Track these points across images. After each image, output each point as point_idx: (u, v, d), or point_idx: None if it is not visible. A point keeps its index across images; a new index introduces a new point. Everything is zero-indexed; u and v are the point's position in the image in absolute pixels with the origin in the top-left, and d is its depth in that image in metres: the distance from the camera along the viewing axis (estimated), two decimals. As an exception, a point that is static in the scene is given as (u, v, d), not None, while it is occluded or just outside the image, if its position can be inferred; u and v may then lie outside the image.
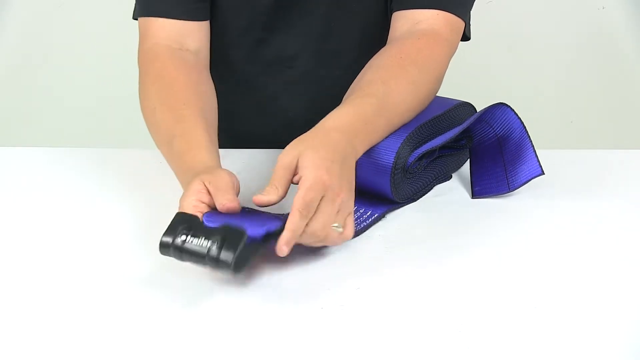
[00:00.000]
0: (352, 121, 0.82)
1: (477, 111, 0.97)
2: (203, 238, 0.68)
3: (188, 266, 0.74)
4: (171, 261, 0.78)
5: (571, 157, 1.05)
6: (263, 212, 0.77)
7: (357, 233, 0.81)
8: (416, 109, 0.91)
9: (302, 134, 0.81)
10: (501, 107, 0.91)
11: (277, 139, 1.11)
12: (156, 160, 1.03)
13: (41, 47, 2.15)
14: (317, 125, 0.82)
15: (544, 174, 0.90)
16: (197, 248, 0.68)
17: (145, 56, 1.00)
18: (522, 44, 2.15)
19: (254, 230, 0.69)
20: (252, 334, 0.66)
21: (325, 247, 0.79)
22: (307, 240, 0.74)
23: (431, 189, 0.93)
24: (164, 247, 0.69)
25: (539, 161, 0.91)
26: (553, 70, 2.19)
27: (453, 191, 0.94)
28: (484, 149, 0.95)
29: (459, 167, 0.99)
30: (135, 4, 1.06)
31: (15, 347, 0.65)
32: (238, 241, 0.67)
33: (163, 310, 0.69)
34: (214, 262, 0.67)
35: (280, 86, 1.11)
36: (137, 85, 1.01)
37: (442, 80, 0.97)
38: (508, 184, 0.91)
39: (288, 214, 0.73)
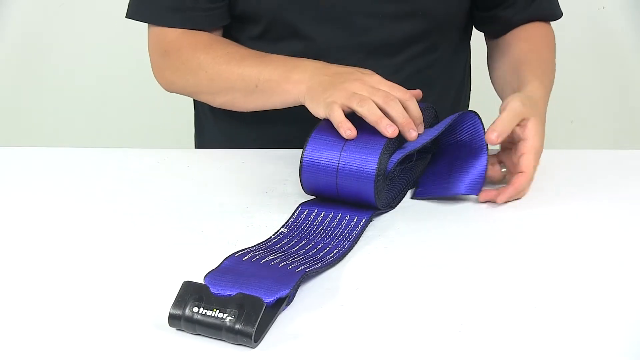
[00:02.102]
0: (541, 94, 0.98)
1: (437, 112, 0.97)
2: (217, 309, 0.65)
3: (187, 267, 0.74)
4: (170, 262, 0.78)
5: (571, 157, 1.05)
6: (269, 265, 0.74)
7: (352, 242, 0.80)
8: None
9: None
10: (471, 115, 0.90)
11: None
12: (156, 160, 1.03)
13: (41, 47, 2.14)
14: (524, 92, 0.95)
15: (477, 195, 0.90)
16: (212, 320, 0.65)
17: (179, 39, 1.04)
18: (522, 44, 2.15)
19: (267, 296, 0.67)
20: (252, 334, 0.66)
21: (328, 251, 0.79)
22: (511, 194, 0.89)
23: (404, 195, 0.93)
24: (174, 319, 0.66)
25: (482, 183, 0.90)
26: (552, 70, 2.19)
27: (453, 191, 0.94)
28: (442, 153, 0.95)
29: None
30: (141, 5, 1.07)
31: (15, 347, 0.65)
32: (257, 310, 0.64)
33: (162, 309, 0.68)
34: (232, 333, 0.64)
35: None
36: (142, 81, 1.02)
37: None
38: (449, 187, 0.90)
39: (293, 263, 0.73)
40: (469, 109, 1.26)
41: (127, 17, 1.09)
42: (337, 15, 1.05)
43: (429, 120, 0.95)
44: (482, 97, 1.25)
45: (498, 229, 0.85)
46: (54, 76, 2.18)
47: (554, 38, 1.15)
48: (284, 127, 1.09)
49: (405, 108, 0.86)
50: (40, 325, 0.68)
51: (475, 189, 0.90)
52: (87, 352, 0.64)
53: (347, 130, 0.83)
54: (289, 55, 1.02)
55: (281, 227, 0.83)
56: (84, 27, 2.10)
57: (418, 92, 0.91)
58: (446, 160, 0.94)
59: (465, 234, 0.84)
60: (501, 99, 1.08)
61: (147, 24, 1.09)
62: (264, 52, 1.04)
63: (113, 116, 2.17)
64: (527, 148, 0.89)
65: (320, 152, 0.85)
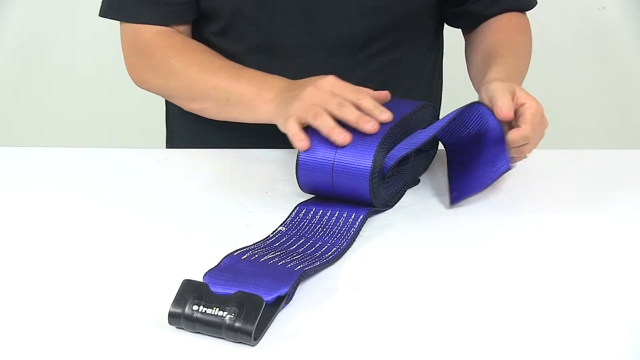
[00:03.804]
0: (505, 77, 0.96)
1: (436, 110, 0.97)
2: (217, 307, 0.65)
3: (188, 266, 0.74)
4: (170, 262, 0.78)
5: (571, 157, 1.05)
6: (268, 263, 0.74)
7: (350, 240, 0.81)
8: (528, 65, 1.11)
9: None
10: (476, 106, 0.88)
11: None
12: (156, 160, 1.03)
13: (41, 47, 2.14)
14: (489, 79, 0.95)
15: (510, 168, 0.87)
16: (212, 318, 0.65)
17: (153, 40, 1.05)
18: (522, 44, 2.14)
19: (267, 294, 0.67)
20: (252, 334, 0.66)
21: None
22: (514, 153, 0.88)
23: (403, 194, 0.92)
24: (174, 318, 0.66)
25: (508, 157, 0.87)
26: (553, 70, 2.19)
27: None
28: (459, 151, 0.93)
29: (425, 171, 0.98)
30: (112, 3, 1.09)
31: (15, 345, 0.65)
32: (257, 308, 0.65)
33: (163, 308, 0.68)
34: (232, 331, 0.64)
35: (289, 77, 1.09)
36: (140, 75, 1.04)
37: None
38: (481, 181, 0.89)
39: (292, 262, 0.74)
40: (441, 107, 1.26)
41: (100, 15, 1.10)
42: (297, 12, 1.05)
43: (428, 119, 0.94)
44: (455, 95, 1.25)
45: (498, 228, 0.85)
46: (53, 76, 2.18)
47: (529, 25, 1.15)
48: (253, 128, 1.09)
49: (358, 107, 0.86)
50: (40, 324, 0.68)
51: (504, 166, 0.87)
52: (88, 350, 0.64)
53: (301, 141, 0.85)
54: (250, 52, 1.05)
55: (279, 226, 0.83)
56: (84, 27, 2.10)
57: (385, 94, 0.91)
58: (470, 158, 0.92)
59: (466, 234, 0.84)
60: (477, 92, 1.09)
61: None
62: (227, 50, 1.06)
63: (113, 116, 2.17)
64: (527, 106, 0.88)
65: (316, 150, 0.85)
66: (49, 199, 0.92)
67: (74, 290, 0.73)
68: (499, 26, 1.12)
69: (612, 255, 0.80)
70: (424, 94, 1.18)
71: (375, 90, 0.96)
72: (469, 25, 1.16)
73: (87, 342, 0.65)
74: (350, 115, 0.85)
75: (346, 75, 1.02)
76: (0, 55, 2.15)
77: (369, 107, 0.86)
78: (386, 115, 0.85)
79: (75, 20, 2.10)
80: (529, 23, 1.16)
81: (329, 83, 0.88)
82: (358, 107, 0.86)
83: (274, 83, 0.97)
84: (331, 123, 0.84)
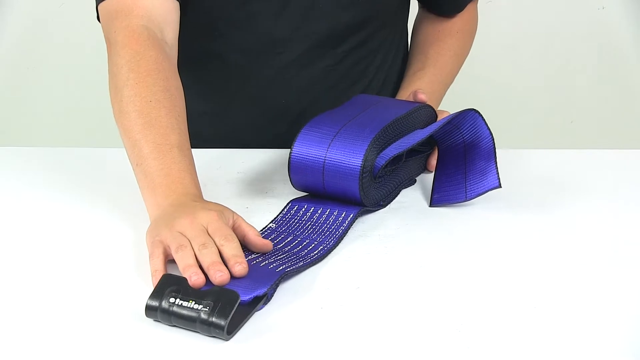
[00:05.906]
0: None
1: (436, 113, 0.97)
2: (193, 301, 0.66)
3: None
4: (170, 261, 0.78)
5: (571, 157, 1.05)
6: (251, 264, 0.74)
7: (338, 239, 0.80)
8: (458, 70, 1.18)
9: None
10: (472, 113, 0.88)
11: (270, 131, 1.11)
12: (156, 160, 1.03)
13: (41, 47, 2.15)
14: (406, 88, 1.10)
15: (500, 187, 0.88)
16: (187, 311, 0.66)
17: (127, 32, 0.95)
18: (522, 44, 2.15)
19: (244, 293, 0.68)
20: (252, 334, 0.66)
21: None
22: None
23: (397, 194, 0.92)
24: (150, 310, 0.67)
25: (498, 174, 0.88)
26: (553, 70, 2.19)
27: (453, 191, 0.94)
28: (450, 155, 0.92)
29: (422, 172, 0.98)
30: None
31: (13, 347, 0.65)
32: (232, 304, 0.65)
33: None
34: (206, 325, 0.65)
35: (271, 74, 1.09)
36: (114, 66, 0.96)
37: (474, 34, 1.22)
38: (466, 192, 0.89)
39: (275, 262, 0.74)
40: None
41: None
42: (277, 7, 1.04)
43: (424, 121, 0.94)
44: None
45: (498, 228, 0.85)
46: (53, 76, 2.18)
47: (476, 21, 1.22)
48: (278, 116, 1.11)
49: (220, 248, 0.77)
50: (37, 326, 0.68)
51: (493, 184, 0.88)
52: (62, 340, 0.65)
53: (157, 279, 0.74)
54: (232, 50, 1.05)
55: (269, 223, 0.83)
56: (84, 27, 2.10)
57: (264, 244, 0.79)
58: (456, 163, 0.91)
59: (465, 234, 0.84)
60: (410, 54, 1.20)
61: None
62: (209, 47, 1.07)
63: (113, 116, 2.17)
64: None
65: (308, 148, 0.85)
66: (49, 199, 0.92)
67: (71, 290, 0.73)
68: (458, 29, 1.17)
69: (612, 256, 0.80)
70: (398, 78, 1.19)
71: (356, 83, 1.02)
72: (450, 11, 1.18)
73: (63, 332, 0.66)
74: (206, 259, 0.75)
75: (327, 71, 1.02)
76: (0, 55, 2.15)
77: (227, 255, 0.76)
78: (240, 268, 0.73)
79: (75, 20, 2.10)
80: (477, 17, 1.22)
81: (206, 220, 0.79)
82: (220, 251, 0.77)
83: (169, 191, 0.85)
84: (190, 260, 0.75)
